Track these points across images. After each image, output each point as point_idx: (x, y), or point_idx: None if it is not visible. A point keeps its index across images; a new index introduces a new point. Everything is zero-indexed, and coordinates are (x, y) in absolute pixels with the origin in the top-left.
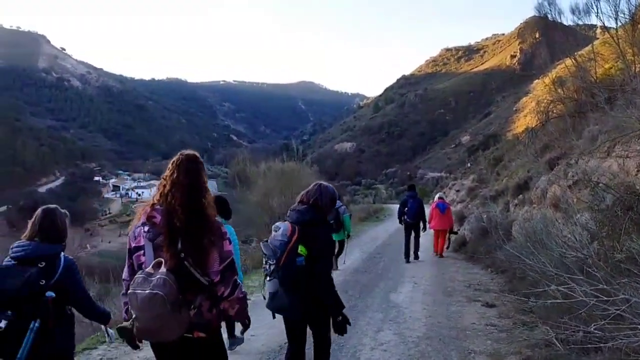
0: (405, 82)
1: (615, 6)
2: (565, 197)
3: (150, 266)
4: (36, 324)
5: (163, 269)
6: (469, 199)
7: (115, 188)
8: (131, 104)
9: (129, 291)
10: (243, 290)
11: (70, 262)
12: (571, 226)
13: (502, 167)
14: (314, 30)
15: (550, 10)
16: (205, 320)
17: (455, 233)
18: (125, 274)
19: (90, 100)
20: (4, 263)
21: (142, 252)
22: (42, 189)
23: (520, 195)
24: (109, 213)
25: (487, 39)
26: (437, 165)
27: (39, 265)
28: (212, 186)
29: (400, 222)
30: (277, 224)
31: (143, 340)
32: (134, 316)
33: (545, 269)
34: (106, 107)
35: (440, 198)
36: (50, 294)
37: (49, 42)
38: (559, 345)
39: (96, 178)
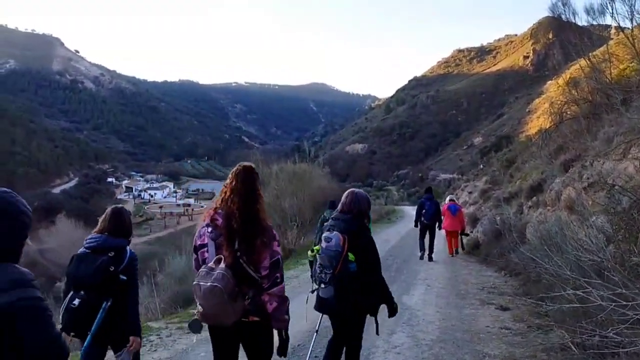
0: (417, 83)
1: (630, 6)
2: (580, 199)
3: (212, 262)
4: (108, 304)
5: (222, 265)
6: (481, 201)
7: (128, 189)
8: (144, 106)
9: (194, 282)
10: (283, 288)
11: (134, 255)
12: (587, 229)
13: (515, 168)
14: (324, 31)
15: (564, 10)
16: (259, 307)
17: (467, 235)
18: (193, 267)
19: (103, 102)
20: (79, 251)
21: (205, 249)
22: (56, 190)
23: (534, 198)
24: None
25: (499, 39)
26: (449, 166)
27: (109, 254)
28: None
29: (415, 225)
30: (326, 234)
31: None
32: (198, 304)
33: (561, 272)
34: (119, 108)
35: (451, 200)
36: (123, 277)
37: (63, 44)
38: (574, 349)
39: (109, 179)
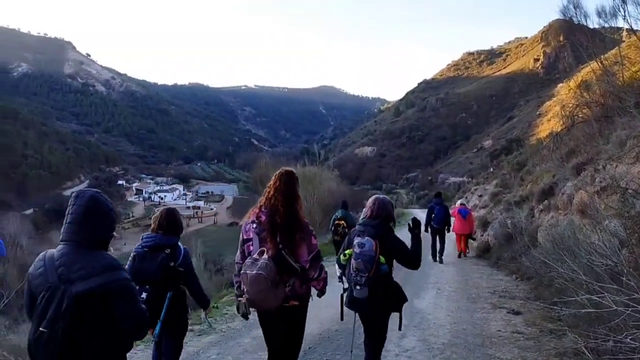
0: (426, 86)
1: None
2: (593, 203)
3: (256, 253)
4: (170, 294)
5: (265, 256)
6: (492, 204)
7: (138, 192)
8: (154, 109)
9: (241, 272)
10: (325, 271)
11: (187, 250)
12: (600, 233)
13: (526, 172)
14: (333, 34)
15: (576, 13)
16: (298, 293)
17: (474, 239)
18: (237, 258)
19: (114, 105)
20: (136, 250)
21: (250, 242)
22: (68, 193)
23: (546, 201)
24: (132, 216)
25: (509, 42)
26: (458, 169)
27: (166, 251)
28: (233, 190)
29: (426, 230)
30: (359, 240)
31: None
32: (245, 290)
33: (574, 276)
34: (130, 111)
35: (461, 204)
36: (181, 269)
37: (74, 48)
38: (588, 354)
39: (120, 182)
